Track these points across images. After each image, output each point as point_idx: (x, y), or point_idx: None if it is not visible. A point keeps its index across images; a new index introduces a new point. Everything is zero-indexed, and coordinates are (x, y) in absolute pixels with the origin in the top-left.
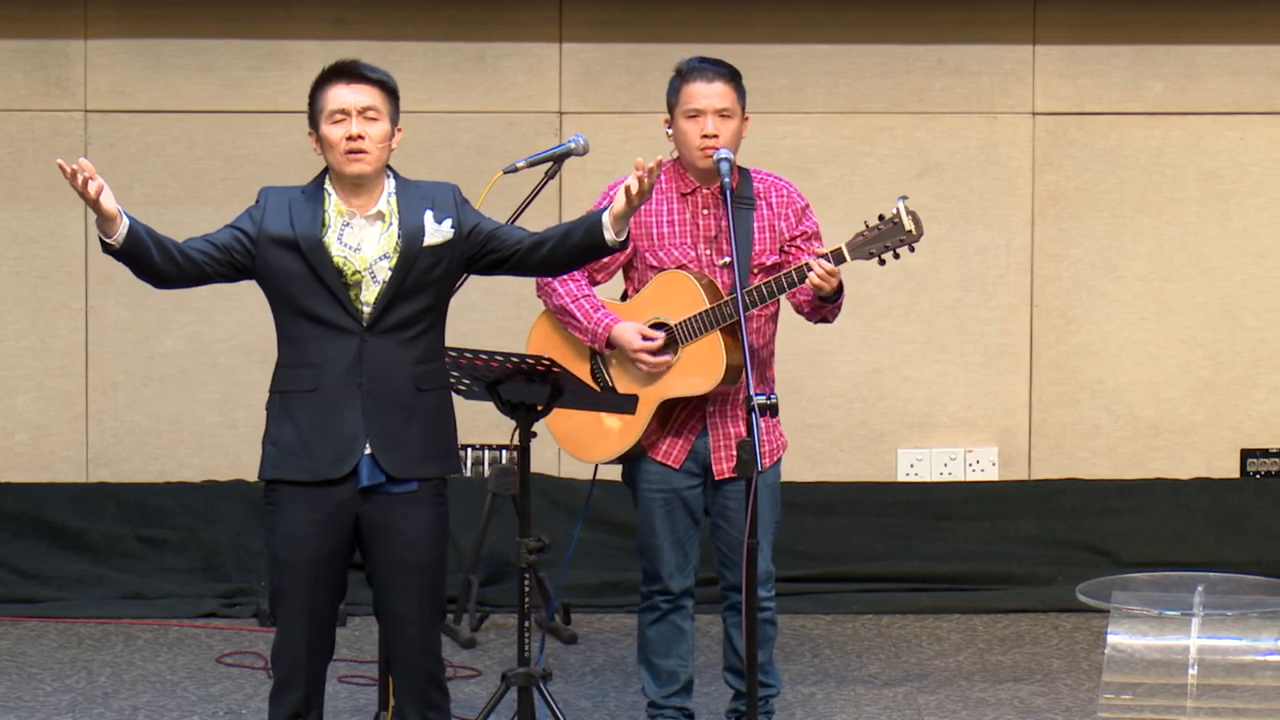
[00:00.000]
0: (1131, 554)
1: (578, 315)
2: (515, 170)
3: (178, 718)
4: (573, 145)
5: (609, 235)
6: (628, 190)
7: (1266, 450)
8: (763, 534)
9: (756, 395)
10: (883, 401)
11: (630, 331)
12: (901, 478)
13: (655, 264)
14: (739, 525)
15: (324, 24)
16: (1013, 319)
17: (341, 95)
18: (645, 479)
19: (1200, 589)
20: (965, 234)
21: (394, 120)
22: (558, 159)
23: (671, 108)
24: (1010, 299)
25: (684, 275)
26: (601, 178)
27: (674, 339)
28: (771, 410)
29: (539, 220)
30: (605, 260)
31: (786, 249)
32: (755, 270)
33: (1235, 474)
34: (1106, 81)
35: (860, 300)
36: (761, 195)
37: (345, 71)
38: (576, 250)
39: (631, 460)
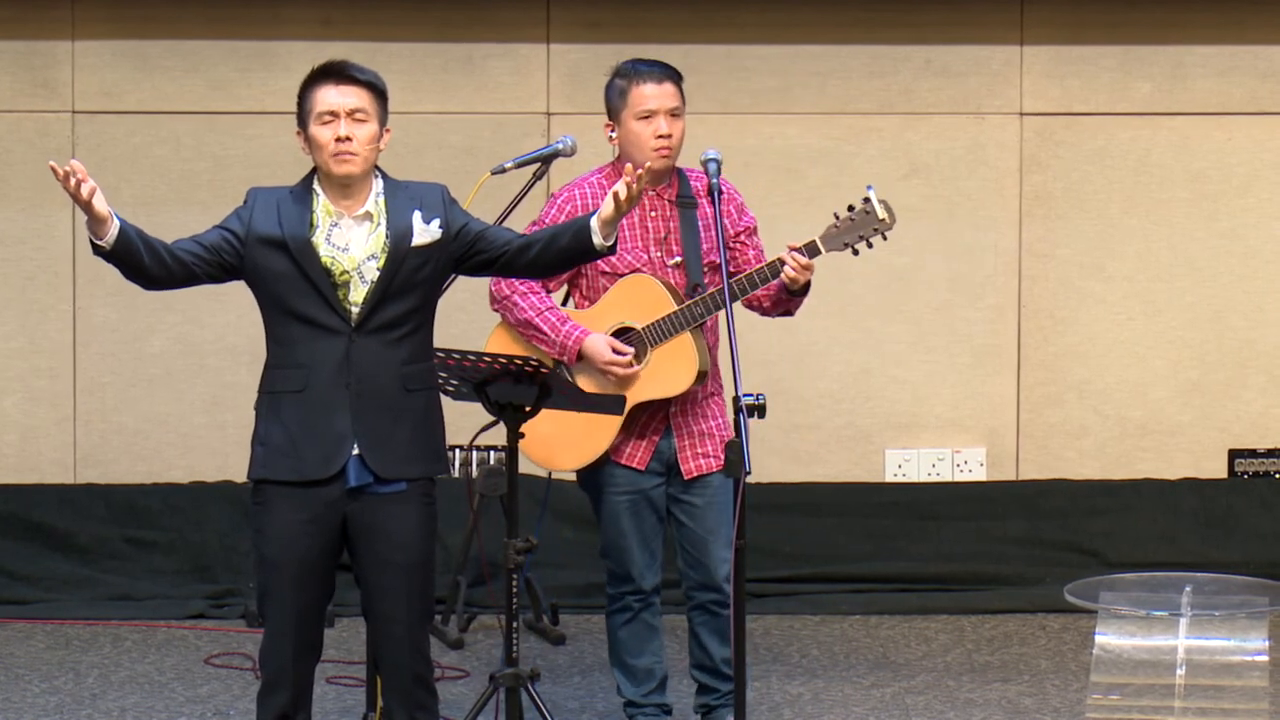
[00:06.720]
0: (1119, 554)
1: (544, 329)
2: (503, 171)
3: (166, 719)
4: (560, 146)
5: (597, 240)
6: (616, 196)
7: (1254, 450)
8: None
9: (745, 396)
10: (870, 402)
11: (601, 344)
12: (889, 478)
13: (608, 269)
14: (705, 524)
15: (311, 25)
16: (1000, 319)
17: (330, 97)
18: (611, 483)
19: (1188, 589)
20: (953, 235)
21: (382, 121)
22: (545, 160)
23: (616, 111)
24: (998, 300)
25: (648, 278)
26: None
27: (642, 342)
28: (760, 411)
29: (526, 221)
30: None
31: (730, 245)
32: (705, 269)
33: (1223, 474)
34: (1094, 82)
35: (848, 300)
36: (700, 194)
37: (334, 72)
38: (564, 253)
39: (594, 466)
